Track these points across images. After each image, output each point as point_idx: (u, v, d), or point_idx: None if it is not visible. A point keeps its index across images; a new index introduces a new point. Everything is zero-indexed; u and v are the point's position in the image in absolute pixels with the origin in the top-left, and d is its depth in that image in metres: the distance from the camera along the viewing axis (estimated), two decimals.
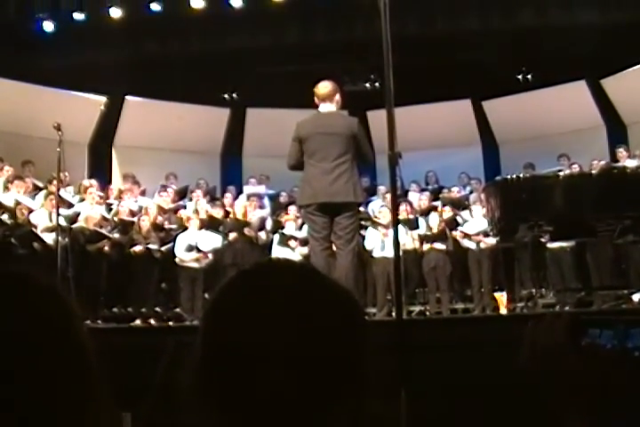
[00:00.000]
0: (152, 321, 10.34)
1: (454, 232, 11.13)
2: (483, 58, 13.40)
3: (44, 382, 1.04)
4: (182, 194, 12.47)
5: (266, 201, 12.90)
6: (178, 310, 10.92)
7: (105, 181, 12.88)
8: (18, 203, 10.36)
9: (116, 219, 11.11)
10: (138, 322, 10.19)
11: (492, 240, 10.41)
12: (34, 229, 10.09)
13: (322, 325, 1.10)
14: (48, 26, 12.56)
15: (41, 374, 1.04)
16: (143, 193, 12.58)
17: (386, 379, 1.24)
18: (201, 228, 11.15)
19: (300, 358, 1.07)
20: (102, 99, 14.35)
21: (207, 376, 1.11)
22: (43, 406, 1.03)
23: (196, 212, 11.71)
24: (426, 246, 11.02)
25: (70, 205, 10.89)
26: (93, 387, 1.10)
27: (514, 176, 8.27)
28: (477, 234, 10.82)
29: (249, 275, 1.18)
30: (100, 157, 14.55)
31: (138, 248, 10.64)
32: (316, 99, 6.68)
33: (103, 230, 10.62)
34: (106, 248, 10.54)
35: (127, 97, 14.43)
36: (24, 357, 1.04)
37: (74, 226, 10.30)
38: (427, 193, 12.61)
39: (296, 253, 10.81)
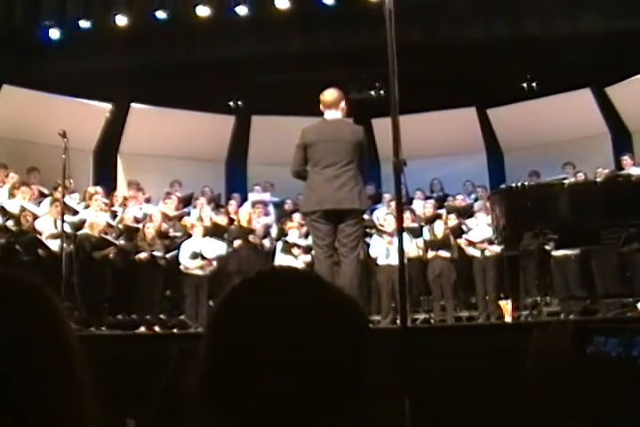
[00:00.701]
0: (156, 328, 10.34)
1: (459, 240, 11.12)
2: (487, 66, 13.41)
3: (29, 382, 1.03)
4: (187, 201, 12.48)
5: (270, 208, 12.90)
6: (182, 317, 10.93)
7: (110, 188, 12.90)
8: (23, 209, 10.37)
9: (120, 226, 11.12)
10: (142, 329, 10.18)
11: (496, 248, 10.40)
12: (38, 236, 10.10)
13: (326, 332, 1.10)
14: (54, 33, 12.58)
15: (25, 374, 1.04)
16: (148, 200, 12.59)
17: (390, 386, 1.24)
18: (205, 235, 11.14)
19: (303, 365, 1.07)
20: (107, 106, 14.40)
21: (211, 384, 1.11)
22: (26, 406, 1.03)
23: (200, 219, 11.72)
24: (430, 254, 11.01)
25: (75, 212, 10.90)
26: (80, 388, 1.09)
27: (519, 184, 8.26)
28: (482, 242, 10.80)
29: (253, 283, 1.18)
30: (105, 164, 14.58)
31: (142, 255, 10.65)
32: (321, 106, 6.68)
33: (109, 237, 10.63)
34: (111, 255, 10.55)
35: (132, 104, 14.47)
36: (8, 357, 1.04)
37: (79, 233, 10.31)
38: (431, 201, 12.59)
39: (299, 261, 10.80)
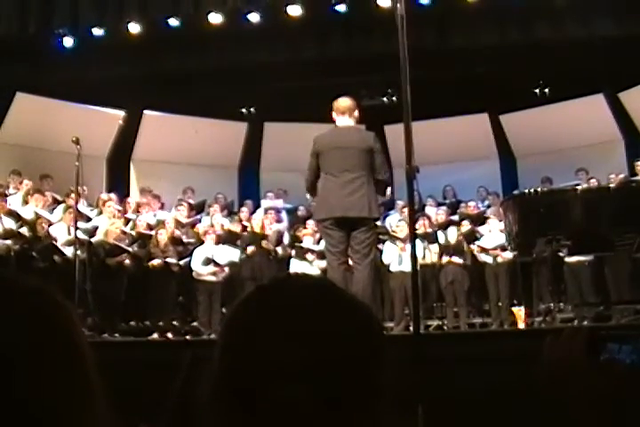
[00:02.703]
0: (169, 335, 10.34)
1: (472, 246, 11.10)
2: (500, 72, 13.38)
3: (41, 388, 1.04)
4: (199, 208, 12.50)
5: (283, 215, 12.90)
6: (195, 323, 10.93)
7: (123, 195, 12.93)
8: (38, 216, 10.42)
9: (133, 233, 11.14)
10: (155, 336, 10.19)
11: (509, 255, 10.37)
12: (54, 242, 10.14)
13: (340, 339, 1.10)
14: (67, 41, 12.63)
15: (37, 380, 1.04)
16: (162, 207, 12.61)
17: (403, 394, 1.24)
18: (218, 242, 11.15)
19: (317, 372, 1.07)
20: (120, 113, 14.45)
21: (224, 390, 1.11)
22: (39, 411, 1.03)
23: (212, 226, 11.73)
24: (444, 259, 10.99)
25: (88, 219, 10.93)
26: (92, 393, 1.09)
27: (531, 190, 8.23)
28: (495, 248, 10.78)
29: (266, 290, 1.18)
30: (118, 171, 14.62)
31: (156, 262, 10.67)
32: (334, 112, 6.66)
33: (122, 244, 10.64)
34: (125, 262, 10.57)
35: (145, 111, 14.51)
36: (20, 364, 1.04)
37: (93, 239, 10.34)
38: (444, 207, 12.57)
39: (314, 267, 10.79)
